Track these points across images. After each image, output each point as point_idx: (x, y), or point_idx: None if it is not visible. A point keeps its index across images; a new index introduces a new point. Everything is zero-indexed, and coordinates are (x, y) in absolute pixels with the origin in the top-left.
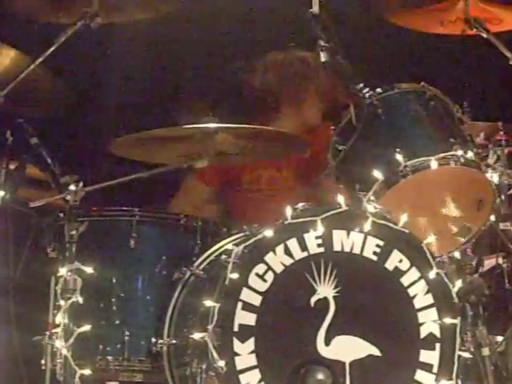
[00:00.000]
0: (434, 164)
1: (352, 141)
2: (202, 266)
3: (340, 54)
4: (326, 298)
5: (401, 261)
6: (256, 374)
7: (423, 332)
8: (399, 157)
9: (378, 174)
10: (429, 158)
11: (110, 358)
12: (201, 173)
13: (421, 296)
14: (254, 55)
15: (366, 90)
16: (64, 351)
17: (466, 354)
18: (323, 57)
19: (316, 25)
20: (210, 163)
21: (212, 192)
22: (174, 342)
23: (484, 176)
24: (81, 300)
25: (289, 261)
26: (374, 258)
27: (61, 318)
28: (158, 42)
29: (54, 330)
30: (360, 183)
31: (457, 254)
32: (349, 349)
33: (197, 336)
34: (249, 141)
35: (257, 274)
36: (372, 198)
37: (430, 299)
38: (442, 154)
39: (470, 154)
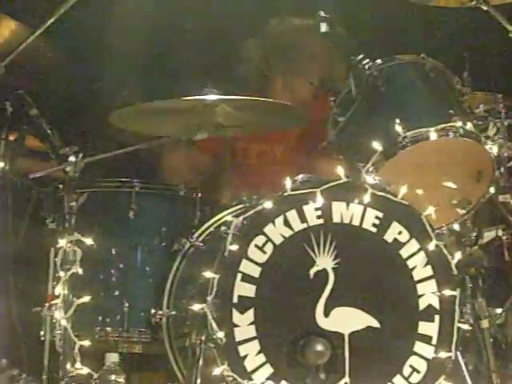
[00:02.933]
0: (432, 135)
1: (351, 112)
2: (202, 238)
3: (340, 25)
4: (325, 270)
5: (400, 232)
6: (255, 345)
7: (422, 304)
8: (398, 128)
9: (376, 145)
10: (428, 129)
11: (109, 329)
12: (201, 142)
13: (420, 268)
14: (255, 25)
15: (366, 61)
16: (63, 322)
17: (465, 326)
18: (323, 27)
19: None
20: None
21: (209, 160)
22: (173, 313)
23: (483, 148)
24: (80, 271)
25: (288, 232)
26: (374, 229)
27: (60, 290)
28: (157, 14)
29: (53, 302)
30: (359, 154)
31: (456, 226)
32: (348, 320)
33: (196, 307)
34: (248, 113)
35: (256, 246)
36: (371, 169)
37: (429, 271)
38: (441, 126)
39: (469, 126)
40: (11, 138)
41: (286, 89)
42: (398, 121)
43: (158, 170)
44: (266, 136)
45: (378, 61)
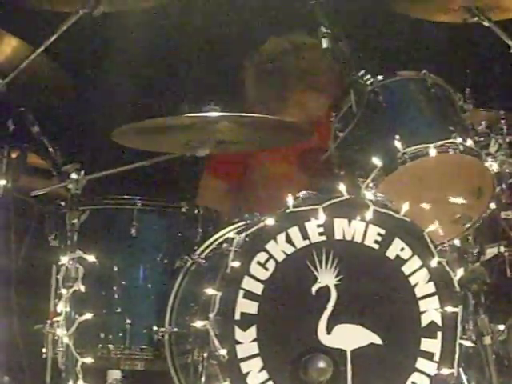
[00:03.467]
0: (432, 151)
1: (351, 127)
2: (204, 255)
3: (342, 40)
4: (327, 287)
5: (402, 249)
6: (258, 363)
7: (424, 320)
8: (398, 144)
9: (376, 160)
10: (427, 145)
11: (111, 346)
12: (214, 169)
13: (422, 284)
14: (255, 42)
15: (368, 76)
16: (65, 340)
17: (468, 343)
18: (325, 43)
19: (318, 11)
20: (214, 153)
21: (227, 187)
22: (175, 330)
23: (483, 164)
24: (82, 288)
25: (290, 249)
26: (376, 246)
27: (62, 307)
28: (159, 31)
29: (55, 319)
30: (359, 170)
31: (458, 243)
32: (350, 337)
33: (198, 324)
34: (250, 129)
35: (258, 263)
36: (371, 184)
37: (431, 288)
38: (441, 142)
39: (469, 142)
40: (13, 155)
41: (296, 106)
42: (397, 137)
43: (161, 188)
44: (268, 152)
45: (380, 77)
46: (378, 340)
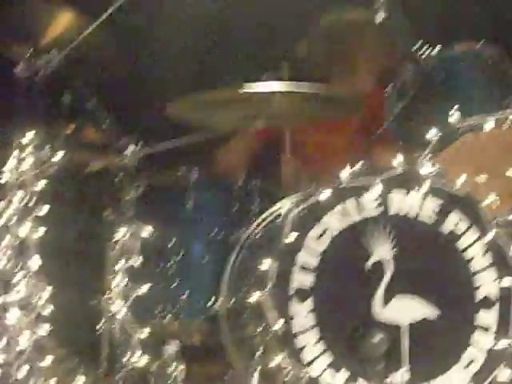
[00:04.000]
0: (489, 124)
1: (408, 100)
2: (260, 228)
3: (398, 12)
4: (383, 260)
5: (458, 222)
6: (313, 336)
7: (480, 294)
8: (455, 116)
9: (433, 133)
10: (484, 117)
11: (167, 319)
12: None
13: (478, 257)
14: (308, 16)
15: (424, 49)
16: (122, 313)
17: None
18: (381, 15)
19: None
20: (265, 125)
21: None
22: (231, 303)
23: None
24: (139, 262)
25: (346, 222)
26: (432, 219)
27: (118, 281)
28: (214, 1)
29: (111, 293)
30: (415, 143)
31: None
32: (406, 311)
33: (254, 297)
34: (305, 103)
35: (314, 236)
36: (427, 157)
37: (487, 261)
38: (498, 114)
39: None
40: (69, 130)
41: (346, 82)
42: (454, 109)
43: (217, 161)
44: (324, 126)
45: (436, 49)
46: (433, 314)
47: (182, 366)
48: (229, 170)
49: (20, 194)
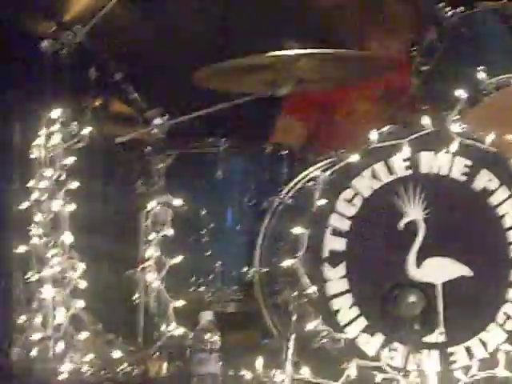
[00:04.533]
0: None
1: (434, 60)
2: (290, 194)
3: None
4: (415, 220)
5: (489, 180)
6: (348, 299)
7: None
8: (482, 75)
9: (461, 92)
10: (511, 75)
11: (202, 288)
12: (291, 110)
13: (510, 215)
14: None
15: (448, 8)
16: (156, 284)
17: None
18: None
19: None
20: (293, 92)
21: (309, 129)
22: (265, 270)
23: None
24: (171, 233)
25: (376, 184)
26: (463, 178)
27: (152, 252)
28: None
29: (145, 264)
30: (443, 102)
31: None
32: (440, 270)
33: (287, 263)
34: (330, 66)
35: (345, 199)
36: (456, 117)
37: None
38: None
39: None
40: (97, 103)
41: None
42: (481, 67)
43: (244, 129)
44: (351, 89)
45: (460, 8)
46: (467, 272)
47: (217, 334)
48: (289, 138)
49: (50, 169)
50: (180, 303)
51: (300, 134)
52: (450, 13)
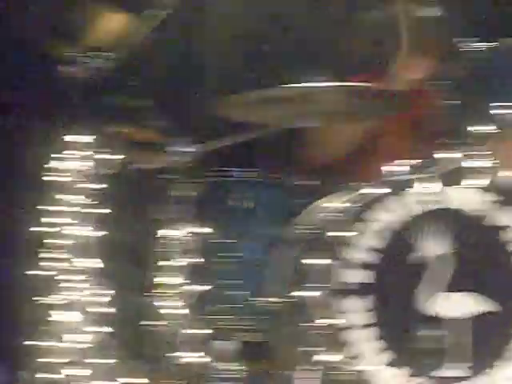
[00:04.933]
0: None
1: (456, 96)
2: (316, 226)
3: (439, 6)
4: (441, 255)
5: None
6: (374, 332)
7: None
8: (502, 111)
9: (488, 127)
10: None
11: (228, 318)
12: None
13: None
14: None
15: (472, 43)
16: (183, 312)
17: None
18: (422, 10)
19: None
20: (322, 124)
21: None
22: (291, 301)
23: None
24: (197, 261)
25: (404, 217)
26: (489, 213)
27: (178, 280)
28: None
29: (171, 291)
30: (469, 138)
31: None
32: (465, 306)
33: (315, 294)
34: (356, 100)
35: (372, 232)
36: (483, 152)
37: None
38: None
39: None
40: (125, 130)
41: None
42: (501, 104)
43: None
44: (375, 123)
45: (485, 43)
46: (493, 308)
47: (242, 364)
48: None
49: (79, 194)
50: (203, 331)
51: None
52: (475, 48)
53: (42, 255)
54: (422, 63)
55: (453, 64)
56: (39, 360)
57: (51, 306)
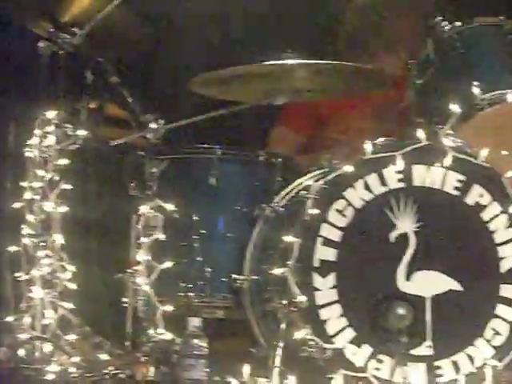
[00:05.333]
0: (510, 97)
1: (429, 74)
2: (282, 203)
3: None
4: (406, 233)
5: (481, 195)
6: (337, 309)
7: (504, 266)
8: (476, 90)
9: (454, 107)
10: (506, 91)
11: (191, 294)
12: (286, 120)
13: (501, 231)
14: None
15: (445, 23)
16: (146, 288)
17: None
18: None
19: None
20: (289, 103)
21: (302, 140)
22: (254, 278)
23: None
24: (162, 237)
25: (369, 196)
26: (455, 192)
27: (142, 256)
28: None
29: (135, 268)
30: (437, 117)
31: None
32: (429, 284)
33: (277, 271)
34: (328, 77)
35: (337, 210)
36: (449, 131)
37: (510, 234)
38: None
39: None
40: (92, 106)
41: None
42: (475, 83)
43: (238, 137)
44: (347, 101)
45: (457, 23)
46: (457, 286)
47: (205, 341)
48: (282, 147)
49: (44, 169)
50: (168, 308)
51: (294, 144)
52: (447, 27)
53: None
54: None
55: (427, 44)
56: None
57: (16, 282)
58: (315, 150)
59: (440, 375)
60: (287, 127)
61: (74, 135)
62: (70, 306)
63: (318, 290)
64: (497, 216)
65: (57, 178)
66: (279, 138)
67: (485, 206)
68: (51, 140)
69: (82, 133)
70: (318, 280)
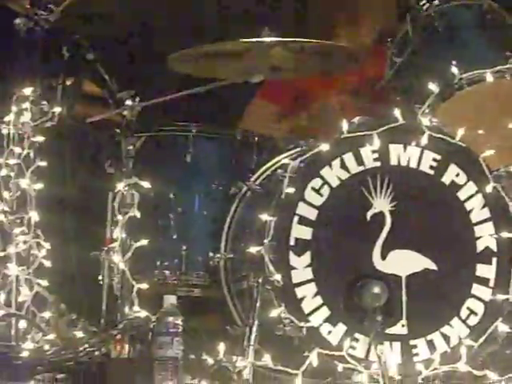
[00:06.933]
0: (489, 77)
1: (407, 53)
2: (259, 181)
3: None
4: (382, 212)
5: (457, 175)
6: (312, 288)
7: (480, 246)
8: (454, 69)
9: (432, 86)
10: (484, 70)
11: (167, 272)
12: (263, 93)
13: (477, 210)
14: None
15: (423, 2)
16: (121, 266)
17: None
18: None
19: None
20: (267, 78)
21: (278, 110)
22: (230, 256)
23: None
24: (138, 215)
25: (345, 175)
26: (431, 172)
27: (118, 233)
28: None
29: (111, 245)
30: (415, 96)
31: None
32: (405, 263)
33: (253, 250)
34: (304, 56)
35: (313, 188)
36: (426, 110)
37: (486, 213)
38: (498, 67)
39: None
40: (68, 82)
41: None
42: (454, 62)
43: (215, 115)
44: (323, 80)
45: (436, 1)
46: (432, 266)
47: (181, 318)
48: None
49: (20, 146)
50: (144, 286)
51: (270, 119)
52: (425, 5)
53: None
54: (375, 22)
55: (404, 23)
56: None
57: None
58: (293, 127)
59: (415, 354)
60: (264, 99)
61: (50, 112)
62: (45, 283)
63: (293, 268)
64: (473, 195)
65: (32, 154)
66: (255, 113)
67: (461, 186)
68: (27, 117)
69: (58, 110)
70: (293, 258)
